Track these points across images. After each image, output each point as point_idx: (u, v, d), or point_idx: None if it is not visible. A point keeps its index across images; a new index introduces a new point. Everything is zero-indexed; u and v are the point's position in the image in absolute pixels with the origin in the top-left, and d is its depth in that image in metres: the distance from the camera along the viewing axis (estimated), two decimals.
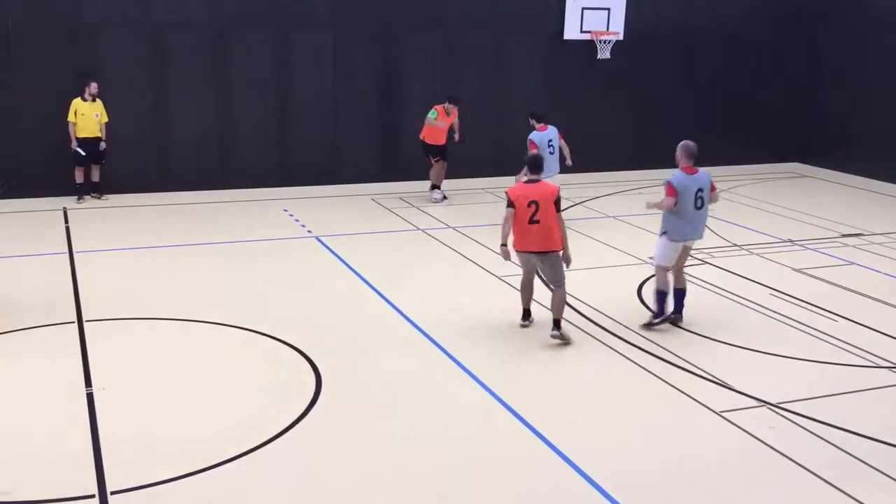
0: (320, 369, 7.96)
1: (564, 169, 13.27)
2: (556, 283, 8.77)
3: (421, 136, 14.80)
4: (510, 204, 8.62)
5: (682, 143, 9.17)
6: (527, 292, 9.10)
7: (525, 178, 8.93)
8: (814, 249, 12.39)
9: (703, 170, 9.11)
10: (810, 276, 11.13)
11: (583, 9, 16.56)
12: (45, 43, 14.24)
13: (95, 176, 14.59)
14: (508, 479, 6.33)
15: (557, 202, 8.59)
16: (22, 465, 6.28)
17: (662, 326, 9.12)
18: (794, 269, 11.36)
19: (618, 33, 16.88)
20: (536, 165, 8.81)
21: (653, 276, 9.70)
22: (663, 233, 9.17)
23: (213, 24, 15.16)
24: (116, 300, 9.67)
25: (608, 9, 16.70)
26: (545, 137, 12.87)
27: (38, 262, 11.17)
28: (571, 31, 16.65)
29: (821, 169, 18.46)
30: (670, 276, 9.26)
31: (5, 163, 13.88)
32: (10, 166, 14.02)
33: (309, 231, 12.92)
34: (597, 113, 17.06)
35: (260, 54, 15.48)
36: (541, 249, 8.61)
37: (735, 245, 12.41)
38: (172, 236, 12.54)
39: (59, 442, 6.64)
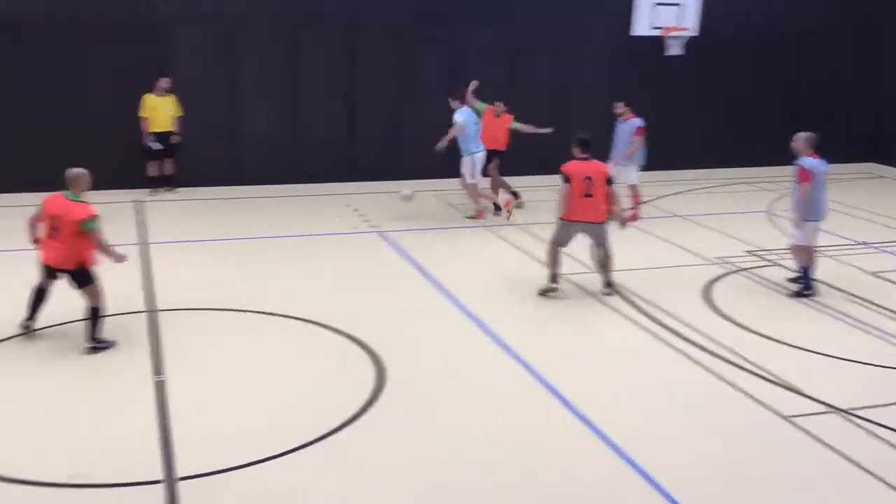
0: (384, 365, 8.02)
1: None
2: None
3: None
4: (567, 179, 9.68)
5: (803, 134, 9.97)
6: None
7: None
8: (889, 252, 12.03)
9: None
10: (885, 279, 10.81)
11: (655, 4, 16.34)
12: (121, 38, 14.62)
13: (168, 169, 14.94)
14: (567, 478, 6.29)
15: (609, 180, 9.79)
16: (92, 450, 6.47)
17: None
18: (868, 273, 11.05)
19: (689, 29, 16.62)
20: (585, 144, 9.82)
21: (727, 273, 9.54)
22: (804, 217, 9.91)
23: (282, 21, 15.39)
24: (186, 291, 9.87)
25: (679, 4, 16.46)
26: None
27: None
28: (641, 28, 16.45)
29: None
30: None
31: (81, 156, 14.34)
32: (85, 160, 14.45)
33: (374, 227, 13.02)
34: (664, 111, 16.79)
35: (328, 51, 15.65)
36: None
37: None
38: (242, 229, 12.76)
39: (128, 428, 6.82)
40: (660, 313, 9.43)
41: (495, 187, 14.07)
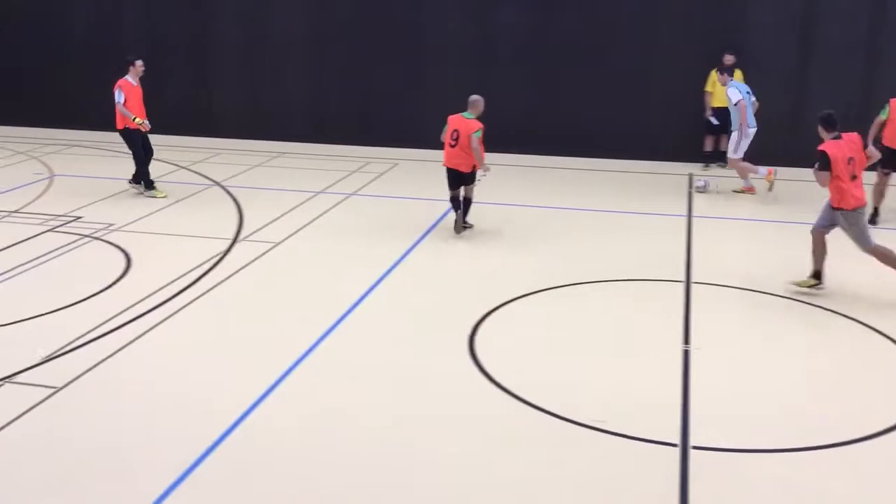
0: None
1: None
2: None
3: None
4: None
5: None
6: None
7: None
8: None
9: None
10: None
11: None
12: (694, 15, 14.94)
13: (723, 145, 14.93)
14: None
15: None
16: (615, 401, 6.87)
17: None
18: None
19: None
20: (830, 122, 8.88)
21: None
22: None
23: None
24: (724, 267, 9.88)
25: None
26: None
27: (660, 220, 11.92)
28: None
29: None
30: None
31: (641, 126, 15.13)
32: (644, 130, 15.22)
33: None
34: None
35: None
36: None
37: None
38: (783, 211, 12.31)
39: (650, 387, 7.09)
40: None
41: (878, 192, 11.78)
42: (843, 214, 8.83)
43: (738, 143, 13.04)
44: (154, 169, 14.64)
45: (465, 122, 10.66)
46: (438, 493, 5.66)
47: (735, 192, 13.34)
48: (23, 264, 9.75)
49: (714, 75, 14.48)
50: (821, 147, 8.80)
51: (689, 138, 15.02)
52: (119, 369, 7.30)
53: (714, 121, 14.66)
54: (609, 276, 9.56)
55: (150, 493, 5.55)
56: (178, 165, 14.76)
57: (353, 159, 15.38)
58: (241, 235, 10.94)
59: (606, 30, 15.37)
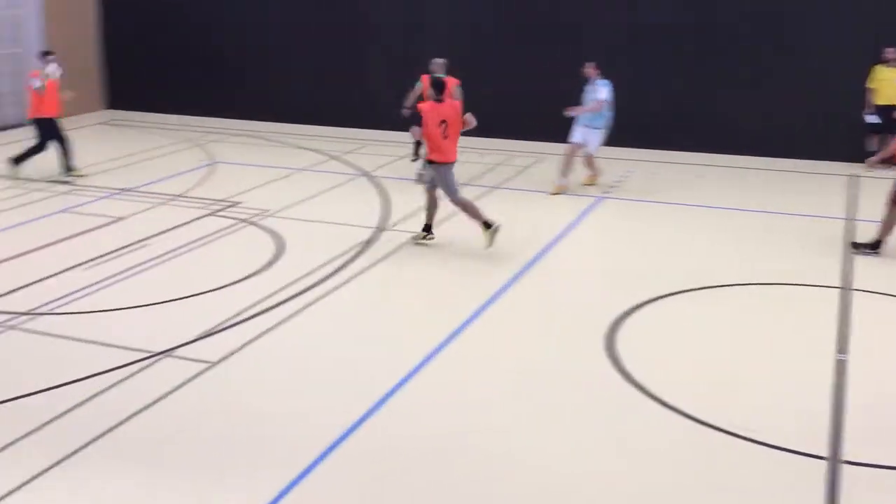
0: None
1: None
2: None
3: None
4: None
5: None
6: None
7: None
8: None
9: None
10: None
11: None
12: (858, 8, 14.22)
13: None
14: None
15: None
16: (761, 408, 6.59)
17: None
18: None
19: None
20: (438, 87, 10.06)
21: None
22: None
23: None
24: (883, 273, 9.36)
25: None
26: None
27: (816, 223, 11.39)
28: None
29: None
30: None
31: (799, 124, 14.48)
32: (804, 129, 14.57)
33: None
34: None
35: None
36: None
37: None
38: None
39: (802, 397, 6.79)
40: None
41: None
42: (435, 167, 10.02)
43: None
44: (306, 159, 15.11)
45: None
46: (575, 499, 5.63)
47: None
48: (184, 245, 10.31)
49: (877, 70, 13.72)
50: (420, 104, 10.46)
51: (852, 137, 14.26)
52: (270, 347, 7.62)
53: (875, 119, 13.86)
54: (759, 279, 9.21)
55: (297, 463, 5.78)
56: (329, 155, 15.20)
57: (498, 152, 15.42)
58: (388, 224, 11.17)
59: (763, 25, 14.78)
